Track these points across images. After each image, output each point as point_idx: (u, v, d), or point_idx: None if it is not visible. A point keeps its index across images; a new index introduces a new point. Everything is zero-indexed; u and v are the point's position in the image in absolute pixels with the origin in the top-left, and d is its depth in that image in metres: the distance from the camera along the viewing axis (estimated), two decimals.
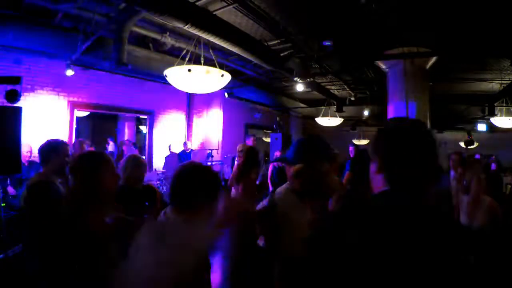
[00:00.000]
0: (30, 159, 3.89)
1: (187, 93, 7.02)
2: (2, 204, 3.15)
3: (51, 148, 2.12)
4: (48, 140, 2.21)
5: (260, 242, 1.56)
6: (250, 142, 5.27)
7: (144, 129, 8.05)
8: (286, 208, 1.42)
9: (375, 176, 0.84)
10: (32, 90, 5.00)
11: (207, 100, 7.92)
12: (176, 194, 1.14)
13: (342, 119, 9.34)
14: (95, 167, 1.35)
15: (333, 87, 8.40)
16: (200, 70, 3.49)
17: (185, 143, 6.84)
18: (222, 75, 3.56)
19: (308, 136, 1.64)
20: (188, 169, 1.19)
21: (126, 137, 8.23)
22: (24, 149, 3.57)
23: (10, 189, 3.59)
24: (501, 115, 7.98)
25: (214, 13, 3.80)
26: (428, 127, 0.89)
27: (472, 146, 10.43)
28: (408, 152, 0.79)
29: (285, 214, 1.40)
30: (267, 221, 1.42)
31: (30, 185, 1.99)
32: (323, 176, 1.38)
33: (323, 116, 9.31)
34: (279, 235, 1.40)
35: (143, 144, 7.50)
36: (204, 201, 1.12)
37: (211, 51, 4.21)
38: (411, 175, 0.78)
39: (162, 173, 6.34)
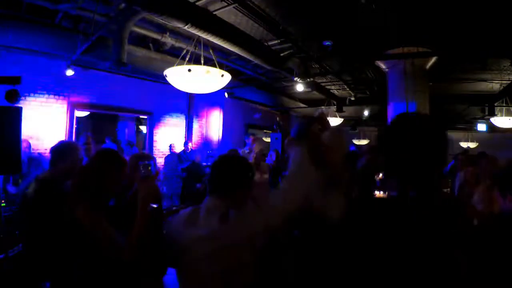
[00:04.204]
0: (30, 156, 3.91)
1: (187, 93, 7.02)
2: (2, 204, 3.15)
3: (61, 150, 2.08)
4: (59, 142, 2.17)
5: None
6: (249, 141, 5.27)
7: (144, 129, 8.04)
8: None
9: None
10: (32, 90, 5.00)
11: (207, 100, 7.92)
12: (216, 183, 1.27)
13: (342, 119, 9.34)
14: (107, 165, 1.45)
15: (333, 87, 8.40)
16: (200, 70, 3.49)
17: (185, 143, 6.84)
18: (222, 75, 3.55)
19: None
20: (226, 160, 1.33)
21: (126, 137, 8.23)
22: (23, 145, 3.58)
23: (11, 188, 3.60)
24: (501, 115, 7.98)
25: (214, 13, 3.80)
26: (437, 122, 0.83)
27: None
28: (414, 151, 0.74)
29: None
30: None
31: (36, 183, 1.95)
32: (317, 136, 1.46)
33: None
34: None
35: (143, 144, 7.49)
36: (239, 188, 1.26)
37: (211, 51, 4.21)
38: (418, 175, 0.74)
39: (162, 173, 6.34)
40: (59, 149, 2.08)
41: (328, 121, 1.67)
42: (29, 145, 4.00)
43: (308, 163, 1.27)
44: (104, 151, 1.55)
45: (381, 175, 5.91)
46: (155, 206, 1.66)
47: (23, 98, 4.28)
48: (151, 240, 1.38)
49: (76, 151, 2.12)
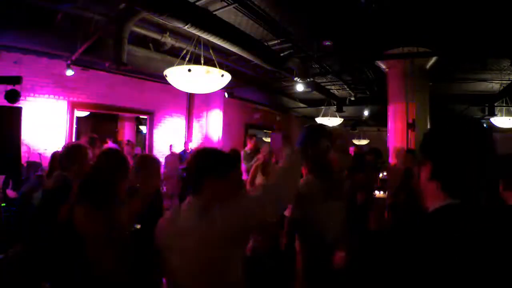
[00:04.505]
0: (29, 160, 3.90)
1: (187, 93, 7.02)
2: (2, 204, 3.15)
3: (70, 153, 2.08)
4: (67, 144, 2.21)
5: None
6: (252, 143, 5.27)
7: (144, 129, 8.05)
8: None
9: (426, 183, 0.74)
10: (32, 90, 5.00)
11: (207, 100, 7.92)
12: (188, 180, 1.19)
13: (342, 119, 9.34)
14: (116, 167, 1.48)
15: (333, 87, 8.39)
16: (200, 70, 3.49)
17: (186, 143, 6.85)
18: (222, 75, 3.55)
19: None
20: (194, 155, 1.22)
21: (126, 137, 8.22)
22: (23, 149, 3.57)
23: (10, 192, 3.59)
24: (501, 115, 7.98)
25: (214, 13, 3.79)
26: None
27: None
28: (475, 157, 0.68)
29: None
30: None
31: (49, 187, 1.97)
32: (323, 153, 1.43)
33: (323, 116, 9.31)
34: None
35: (143, 144, 7.49)
36: (208, 182, 1.14)
37: (211, 51, 4.21)
38: (477, 183, 0.68)
39: (163, 173, 6.34)
40: (68, 153, 2.08)
41: (337, 138, 1.68)
42: (28, 150, 3.99)
43: (299, 162, 1.25)
44: (108, 151, 1.55)
45: (381, 175, 5.90)
46: (138, 226, 1.63)
47: (23, 98, 4.28)
48: (139, 260, 1.39)
49: (86, 153, 2.12)
